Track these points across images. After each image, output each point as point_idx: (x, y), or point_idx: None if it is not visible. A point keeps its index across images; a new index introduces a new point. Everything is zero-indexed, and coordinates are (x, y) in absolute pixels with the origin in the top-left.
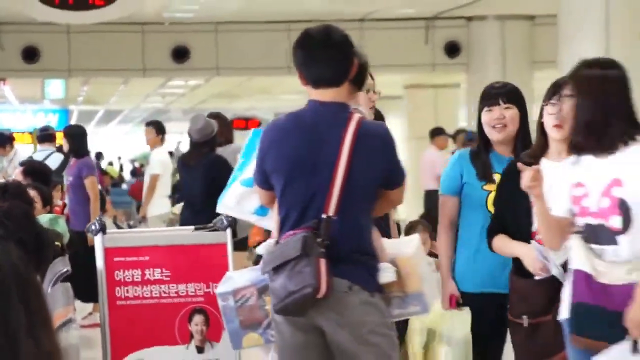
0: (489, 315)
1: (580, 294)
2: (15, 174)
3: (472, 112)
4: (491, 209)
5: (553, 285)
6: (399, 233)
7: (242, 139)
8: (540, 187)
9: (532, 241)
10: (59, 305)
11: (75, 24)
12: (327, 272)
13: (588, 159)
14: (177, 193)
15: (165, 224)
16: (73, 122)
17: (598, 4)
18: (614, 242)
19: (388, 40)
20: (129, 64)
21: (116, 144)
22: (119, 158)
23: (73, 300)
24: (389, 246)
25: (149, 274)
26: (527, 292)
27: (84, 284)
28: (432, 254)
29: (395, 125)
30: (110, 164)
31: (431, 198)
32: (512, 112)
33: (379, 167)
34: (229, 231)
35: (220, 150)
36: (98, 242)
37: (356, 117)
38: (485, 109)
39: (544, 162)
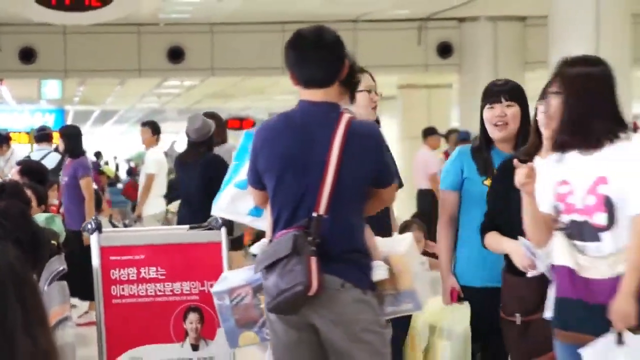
0: (490, 309)
1: (563, 290)
2: (12, 173)
3: (464, 112)
4: None
5: (545, 283)
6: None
7: (236, 138)
8: (533, 184)
9: (520, 237)
10: (55, 303)
11: (71, 25)
12: (318, 270)
13: (572, 157)
14: (172, 192)
15: (160, 223)
16: (69, 122)
17: (588, 5)
18: (597, 239)
19: (381, 41)
20: (125, 64)
21: (112, 144)
22: (115, 158)
23: (69, 299)
24: (382, 244)
25: (145, 273)
26: (520, 290)
27: (80, 283)
28: (426, 253)
29: (389, 125)
30: (106, 163)
31: (424, 197)
32: (513, 110)
33: (369, 166)
34: (223, 230)
35: (216, 150)
36: (94, 241)
37: (346, 117)
38: (487, 106)
39: (537, 160)
